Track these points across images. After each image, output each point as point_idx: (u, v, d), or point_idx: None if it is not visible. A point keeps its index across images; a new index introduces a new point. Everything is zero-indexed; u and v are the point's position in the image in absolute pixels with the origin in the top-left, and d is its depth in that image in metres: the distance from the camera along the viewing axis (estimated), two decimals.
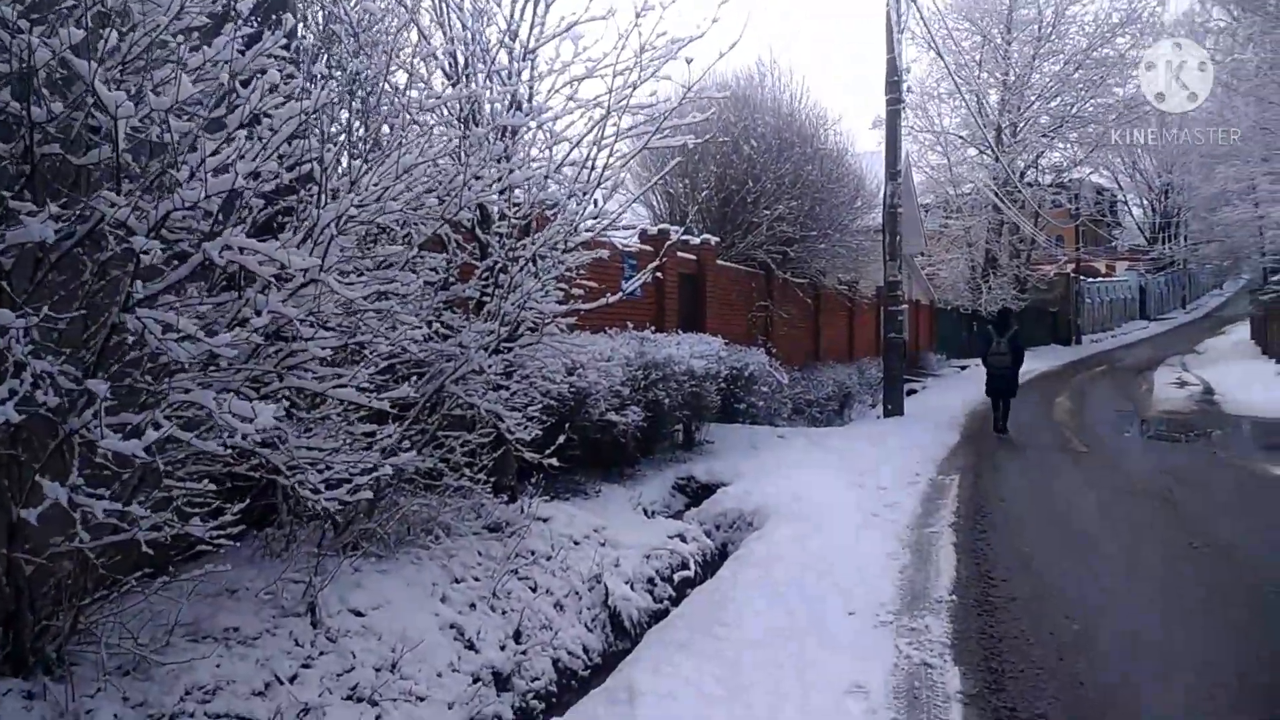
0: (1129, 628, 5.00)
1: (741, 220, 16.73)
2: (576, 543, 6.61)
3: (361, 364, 4.20)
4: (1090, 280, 47.51)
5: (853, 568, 6.11)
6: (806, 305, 18.85)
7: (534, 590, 5.75)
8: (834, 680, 4.18)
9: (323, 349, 3.49)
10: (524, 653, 5.18)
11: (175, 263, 3.41)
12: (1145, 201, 56.02)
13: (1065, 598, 5.49)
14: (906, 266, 23.82)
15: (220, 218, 3.54)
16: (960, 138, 34.35)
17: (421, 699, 4.36)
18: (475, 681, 4.69)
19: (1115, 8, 31.94)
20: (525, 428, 5.99)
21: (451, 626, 4.92)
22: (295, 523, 5.42)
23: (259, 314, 3.24)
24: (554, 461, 5.88)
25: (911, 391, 19.82)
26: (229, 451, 3.13)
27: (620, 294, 6.99)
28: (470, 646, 4.88)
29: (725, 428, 13.23)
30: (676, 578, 6.84)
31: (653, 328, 11.33)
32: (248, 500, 3.88)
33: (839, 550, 6.57)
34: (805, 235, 17.16)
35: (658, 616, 6.35)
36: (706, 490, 10.37)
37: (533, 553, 6.13)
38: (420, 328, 4.29)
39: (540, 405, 8.02)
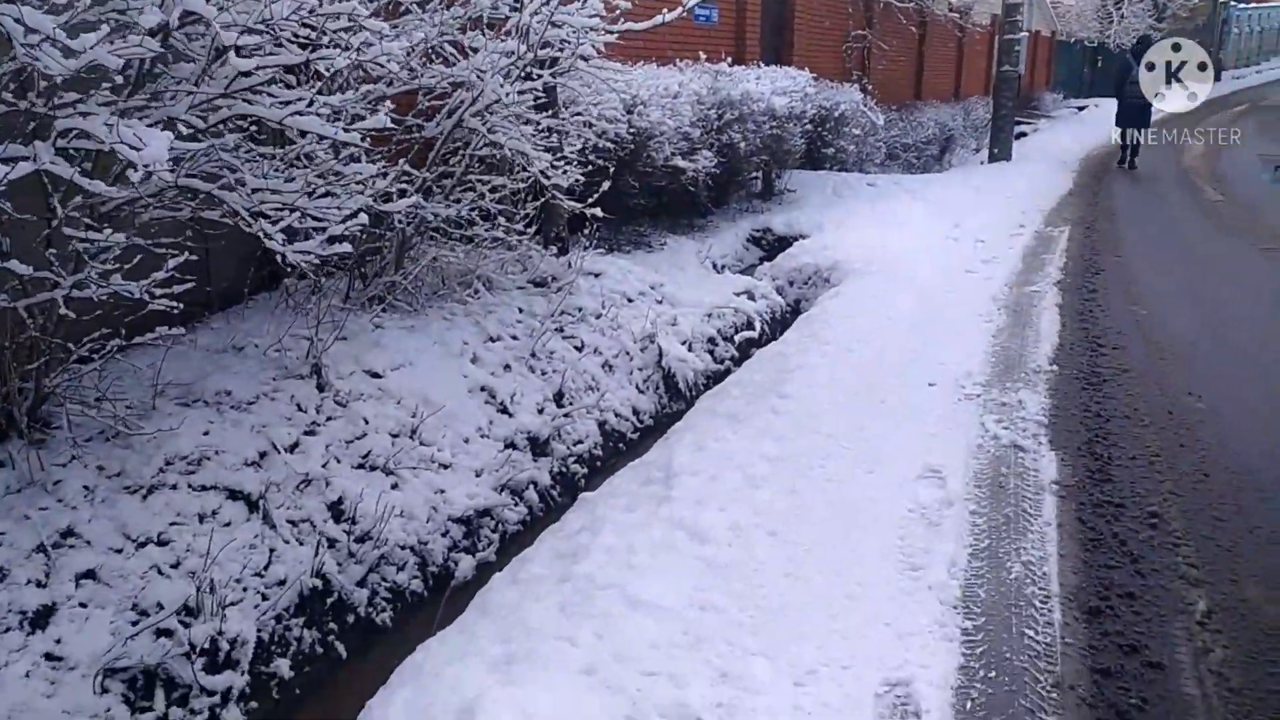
0: (1269, 408, 4.24)
1: None
2: (630, 300, 6.03)
3: (329, 89, 3.45)
4: (1241, 5, 41.59)
5: (938, 331, 5.39)
6: (910, 36, 16.73)
7: (579, 350, 5.27)
8: (905, 463, 3.61)
9: (254, 65, 2.74)
10: (566, 415, 4.78)
11: None
12: None
13: (1190, 371, 4.70)
14: None
15: None
16: None
17: (445, 466, 4.02)
18: (508, 447, 4.32)
19: None
20: (563, 172, 5.21)
21: (482, 389, 4.50)
22: (319, 274, 4.96)
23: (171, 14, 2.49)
24: (597, 212, 5.15)
25: (1021, 135, 17.94)
26: (123, 193, 2.50)
27: (681, 9, 5.87)
28: (503, 410, 4.48)
29: (809, 175, 12.12)
30: (739, 338, 6.27)
31: (729, 60, 10.03)
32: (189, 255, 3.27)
33: (924, 310, 5.83)
34: None
35: (717, 378, 5.85)
36: (783, 243, 9.57)
37: (580, 310, 5.60)
38: (396, 38, 3.43)
39: (590, 147, 7.20)
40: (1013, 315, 5.78)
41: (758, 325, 6.37)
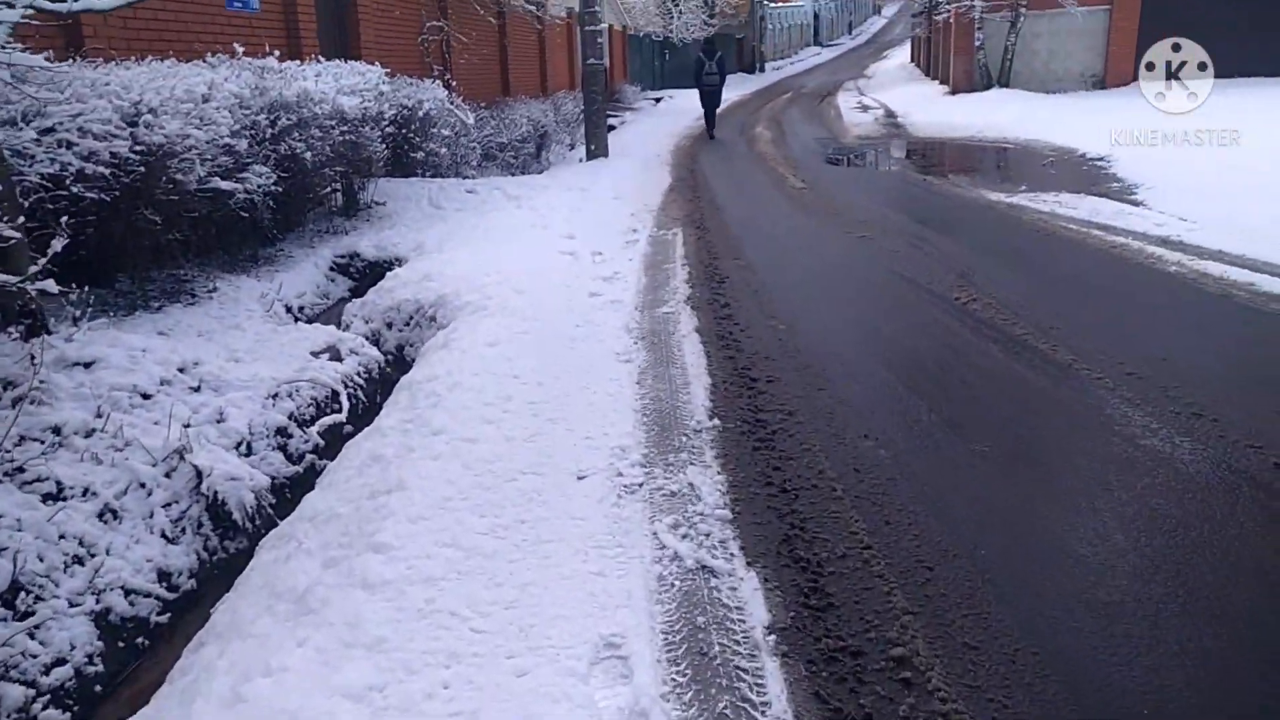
0: (949, 445, 3.74)
1: None
2: (147, 396, 4.18)
3: None
4: (772, 5, 47.37)
5: (575, 385, 4.33)
6: (490, 28, 15.83)
7: (53, 498, 3.39)
8: (569, 643, 2.43)
9: None
10: (35, 629, 2.94)
11: None
12: None
13: (853, 401, 4.11)
14: None
15: None
16: None
17: None
18: None
19: None
20: None
21: None
22: None
23: None
24: (49, 286, 3.29)
25: (611, 128, 18.04)
26: None
27: None
28: None
29: (400, 184, 10.65)
30: (321, 425, 4.69)
31: (278, 54, 8.20)
32: None
33: (553, 357, 4.76)
34: None
35: (295, 484, 4.28)
36: (377, 269, 8.04)
37: (56, 430, 3.67)
38: None
39: (73, 174, 5.15)
40: (652, 348, 4.92)
41: (345, 401, 4.84)
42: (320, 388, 4.84)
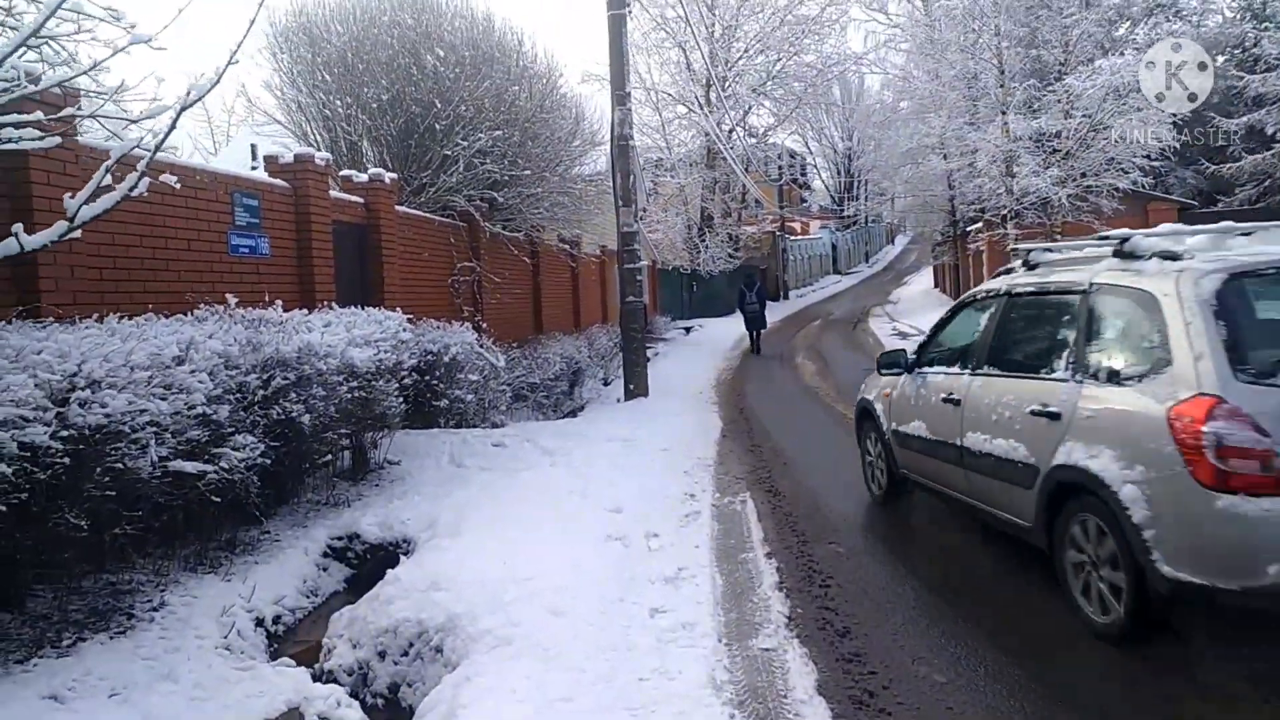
0: None
1: (431, 156, 12.76)
2: None
3: None
4: (792, 238, 48.80)
5: None
6: (524, 266, 15.31)
7: None
8: None
9: None
10: None
11: None
12: (831, 164, 60.37)
13: None
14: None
15: None
16: (668, 94, 32.94)
17: None
18: None
19: None
20: None
21: None
22: None
23: None
24: None
25: (647, 359, 17.13)
26: None
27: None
28: None
29: (419, 437, 9.37)
30: None
31: (282, 303, 7.18)
32: None
33: None
34: (516, 176, 13.54)
35: None
36: (379, 555, 6.54)
37: None
38: None
39: None
40: None
41: None
42: None
